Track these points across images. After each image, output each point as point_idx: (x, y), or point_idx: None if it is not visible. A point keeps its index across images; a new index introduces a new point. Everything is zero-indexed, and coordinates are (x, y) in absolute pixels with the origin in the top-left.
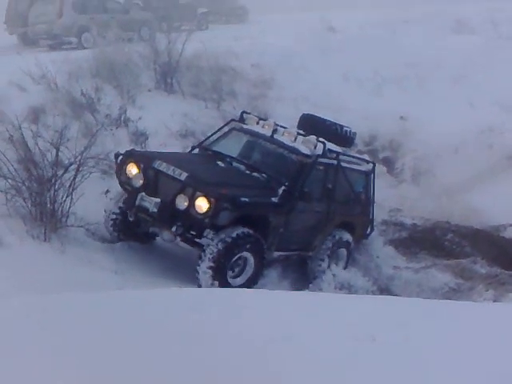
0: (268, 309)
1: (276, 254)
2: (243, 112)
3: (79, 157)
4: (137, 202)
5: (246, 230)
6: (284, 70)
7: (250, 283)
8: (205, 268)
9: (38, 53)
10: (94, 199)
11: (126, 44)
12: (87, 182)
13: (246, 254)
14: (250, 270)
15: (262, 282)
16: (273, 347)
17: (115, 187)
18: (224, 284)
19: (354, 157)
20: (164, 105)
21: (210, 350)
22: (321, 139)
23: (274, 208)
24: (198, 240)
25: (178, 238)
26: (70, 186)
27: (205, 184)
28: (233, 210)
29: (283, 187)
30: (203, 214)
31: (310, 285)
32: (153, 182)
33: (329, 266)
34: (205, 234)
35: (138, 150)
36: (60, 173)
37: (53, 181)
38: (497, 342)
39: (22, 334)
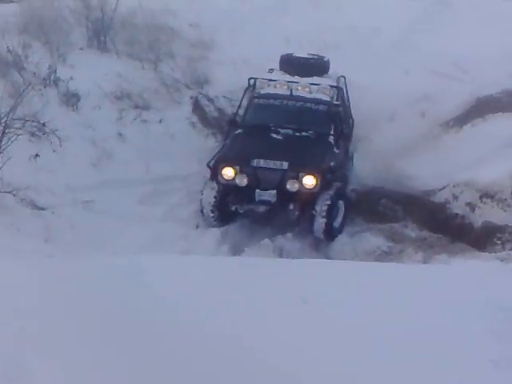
0: (201, 275)
1: None
2: (250, 78)
3: (5, 118)
4: (257, 198)
5: (339, 183)
6: (224, 31)
7: (343, 224)
8: (320, 220)
9: None
10: (22, 163)
11: None
12: (14, 145)
13: (339, 202)
14: (341, 214)
15: None
16: (205, 313)
17: (44, 151)
18: (331, 228)
19: (338, 80)
20: (97, 64)
21: (146, 320)
22: (331, 84)
23: (339, 158)
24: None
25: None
26: None
27: (305, 165)
28: (331, 177)
29: (332, 136)
30: (312, 188)
31: (246, 248)
32: (254, 177)
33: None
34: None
35: (226, 155)
36: None
37: None
38: (424, 301)
39: None
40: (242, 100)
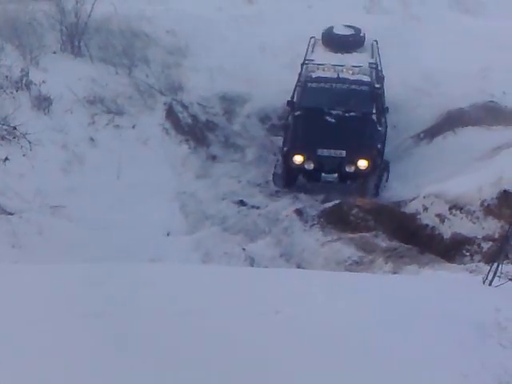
0: (175, 282)
1: None
2: (302, 63)
3: None
4: (322, 180)
5: (385, 159)
6: (200, 39)
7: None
8: (372, 186)
9: None
10: None
11: (30, 1)
12: None
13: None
14: (384, 179)
15: None
16: (175, 323)
17: (14, 155)
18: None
19: (372, 46)
20: (70, 68)
21: (115, 324)
22: (371, 65)
23: (383, 136)
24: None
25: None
26: None
27: (359, 151)
28: (380, 157)
29: (374, 115)
30: (365, 168)
31: (217, 256)
32: (319, 163)
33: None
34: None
35: (296, 144)
36: None
37: None
38: (394, 312)
39: None
40: (296, 84)
